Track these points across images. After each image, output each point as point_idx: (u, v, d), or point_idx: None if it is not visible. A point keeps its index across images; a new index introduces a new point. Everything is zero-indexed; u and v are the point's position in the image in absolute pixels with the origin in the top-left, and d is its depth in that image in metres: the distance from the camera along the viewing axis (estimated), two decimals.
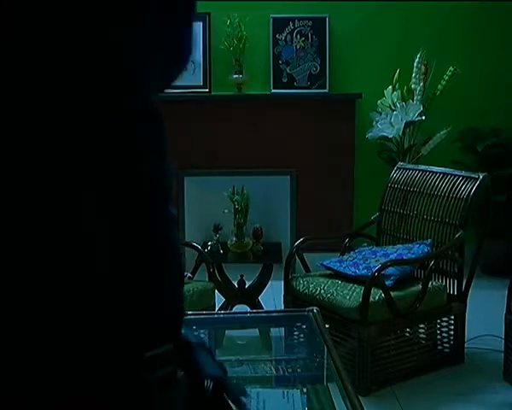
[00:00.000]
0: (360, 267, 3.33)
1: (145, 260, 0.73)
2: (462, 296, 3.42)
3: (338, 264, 3.43)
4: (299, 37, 4.96)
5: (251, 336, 3.47)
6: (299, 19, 4.95)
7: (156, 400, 0.76)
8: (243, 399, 1.02)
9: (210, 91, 4.90)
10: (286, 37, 4.96)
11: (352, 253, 3.60)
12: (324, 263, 3.47)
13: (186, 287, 3.28)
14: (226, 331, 3.38)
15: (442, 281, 3.43)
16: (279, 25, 4.96)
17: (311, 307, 2.76)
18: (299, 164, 4.96)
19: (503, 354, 3.26)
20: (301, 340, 3.10)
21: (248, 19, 4.76)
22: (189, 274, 3.44)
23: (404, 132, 4.69)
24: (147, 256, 0.73)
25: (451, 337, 3.42)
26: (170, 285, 0.77)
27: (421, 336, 3.41)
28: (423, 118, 4.64)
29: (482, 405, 3.05)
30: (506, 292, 3.20)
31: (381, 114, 4.75)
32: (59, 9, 0.63)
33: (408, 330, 3.34)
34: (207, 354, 1.01)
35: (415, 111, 4.62)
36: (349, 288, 3.22)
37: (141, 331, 0.73)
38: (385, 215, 3.74)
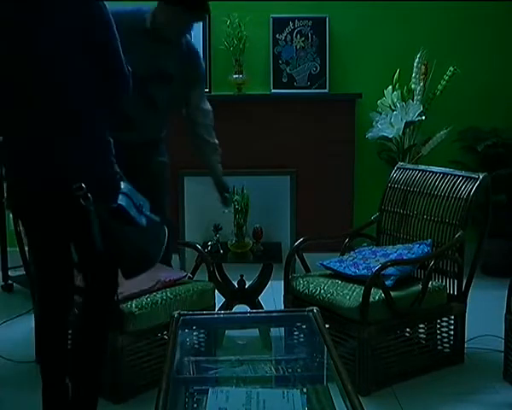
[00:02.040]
0: (360, 267, 3.33)
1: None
2: (462, 296, 3.42)
3: (338, 264, 3.43)
4: (299, 37, 4.96)
5: (251, 336, 3.47)
6: (299, 19, 4.95)
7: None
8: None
9: (210, 91, 4.90)
10: (286, 37, 4.96)
11: (352, 253, 3.60)
12: (324, 263, 3.47)
13: (186, 287, 3.28)
14: (226, 331, 3.38)
15: (442, 281, 3.43)
16: (279, 25, 4.96)
17: (311, 307, 2.76)
18: (299, 164, 4.95)
19: (503, 354, 3.26)
20: (301, 340, 3.10)
21: (248, 19, 4.76)
22: (189, 274, 3.44)
23: (404, 132, 4.69)
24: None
25: (451, 337, 3.42)
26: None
27: (421, 336, 3.41)
28: (423, 118, 4.64)
29: (482, 405, 3.05)
30: (506, 292, 3.20)
31: (381, 114, 4.75)
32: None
33: (408, 330, 3.34)
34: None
35: (415, 111, 4.62)
36: (349, 288, 3.22)
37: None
38: (385, 215, 3.74)
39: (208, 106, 3.61)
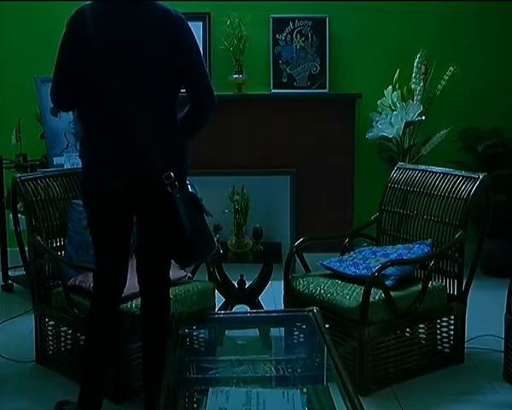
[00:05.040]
0: (360, 267, 3.33)
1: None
2: (462, 296, 3.42)
3: (338, 264, 3.43)
4: (299, 37, 4.96)
5: (251, 336, 3.47)
6: (299, 19, 4.95)
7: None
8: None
9: None
10: (286, 37, 4.96)
11: (352, 253, 3.60)
12: (324, 263, 3.48)
13: (186, 287, 3.28)
14: (226, 331, 3.38)
15: (442, 281, 3.43)
16: (279, 25, 4.96)
17: (311, 307, 2.77)
18: (299, 164, 4.95)
19: (503, 354, 3.26)
20: (301, 340, 3.10)
21: (248, 19, 4.76)
22: (189, 274, 3.44)
23: (404, 132, 4.69)
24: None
25: (451, 337, 3.42)
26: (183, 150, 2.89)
27: (421, 336, 3.40)
28: (423, 118, 4.64)
29: (482, 405, 3.05)
30: (506, 292, 3.20)
31: (380, 114, 4.75)
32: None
33: (408, 330, 3.34)
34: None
35: (415, 111, 4.62)
36: (349, 288, 3.22)
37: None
38: (385, 215, 3.74)
39: None
